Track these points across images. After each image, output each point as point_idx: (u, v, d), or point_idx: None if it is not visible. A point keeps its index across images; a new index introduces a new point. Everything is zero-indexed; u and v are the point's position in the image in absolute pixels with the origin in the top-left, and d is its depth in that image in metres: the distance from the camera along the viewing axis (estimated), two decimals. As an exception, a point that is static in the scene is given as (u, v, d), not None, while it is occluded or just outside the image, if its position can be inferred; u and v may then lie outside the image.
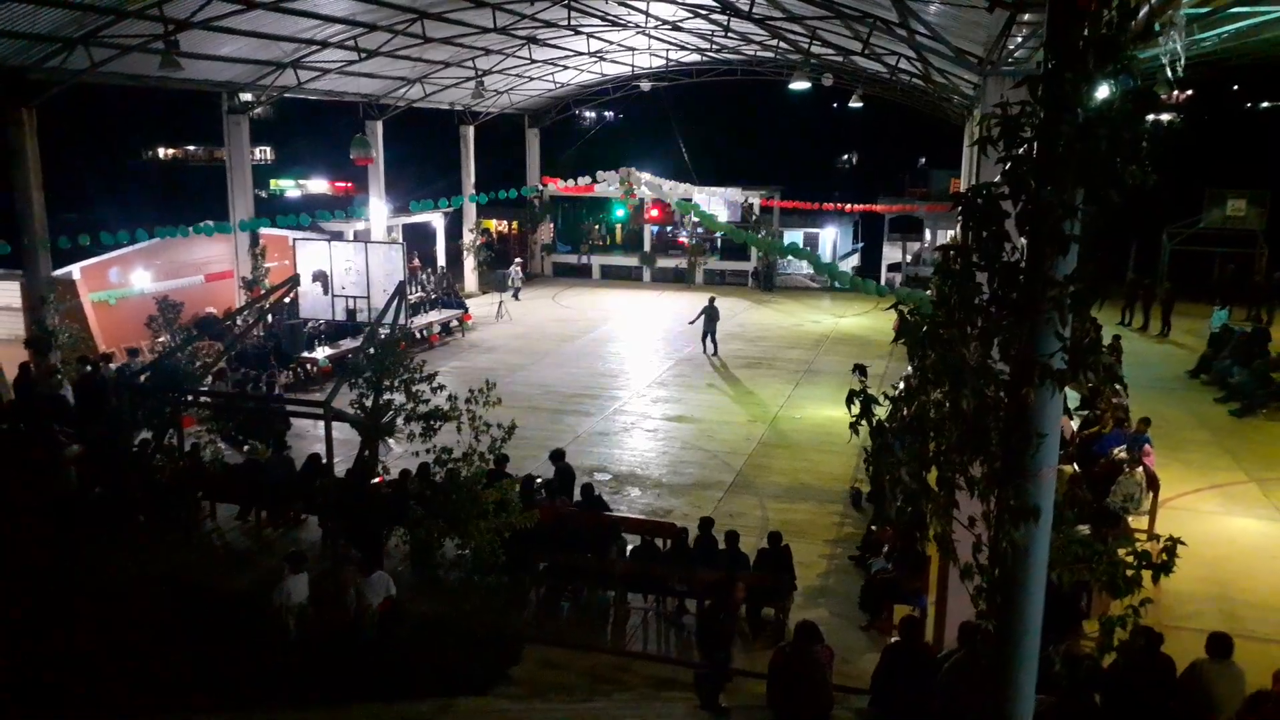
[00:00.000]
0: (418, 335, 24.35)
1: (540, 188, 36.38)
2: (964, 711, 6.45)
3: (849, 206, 36.66)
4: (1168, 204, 29.85)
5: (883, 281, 34.56)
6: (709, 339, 24.55)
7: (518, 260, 34.57)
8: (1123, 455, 13.15)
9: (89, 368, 16.97)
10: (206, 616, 10.96)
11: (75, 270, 19.64)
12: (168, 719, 8.63)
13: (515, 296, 32.85)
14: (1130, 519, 12.41)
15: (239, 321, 19.37)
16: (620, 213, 38.15)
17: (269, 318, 21.45)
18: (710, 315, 24.44)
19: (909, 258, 37.00)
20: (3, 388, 17.16)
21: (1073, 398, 16.56)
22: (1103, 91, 3.72)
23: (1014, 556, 4.04)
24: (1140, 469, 12.75)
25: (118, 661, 9.86)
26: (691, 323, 24.88)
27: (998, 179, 4.12)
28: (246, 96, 23.19)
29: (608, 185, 35.42)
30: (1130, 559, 4.37)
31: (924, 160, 59.80)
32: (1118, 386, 16.76)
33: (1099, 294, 3.82)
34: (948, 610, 9.05)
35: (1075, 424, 15.24)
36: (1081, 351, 3.82)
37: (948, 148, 37.48)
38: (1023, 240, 4.00)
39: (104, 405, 15.72)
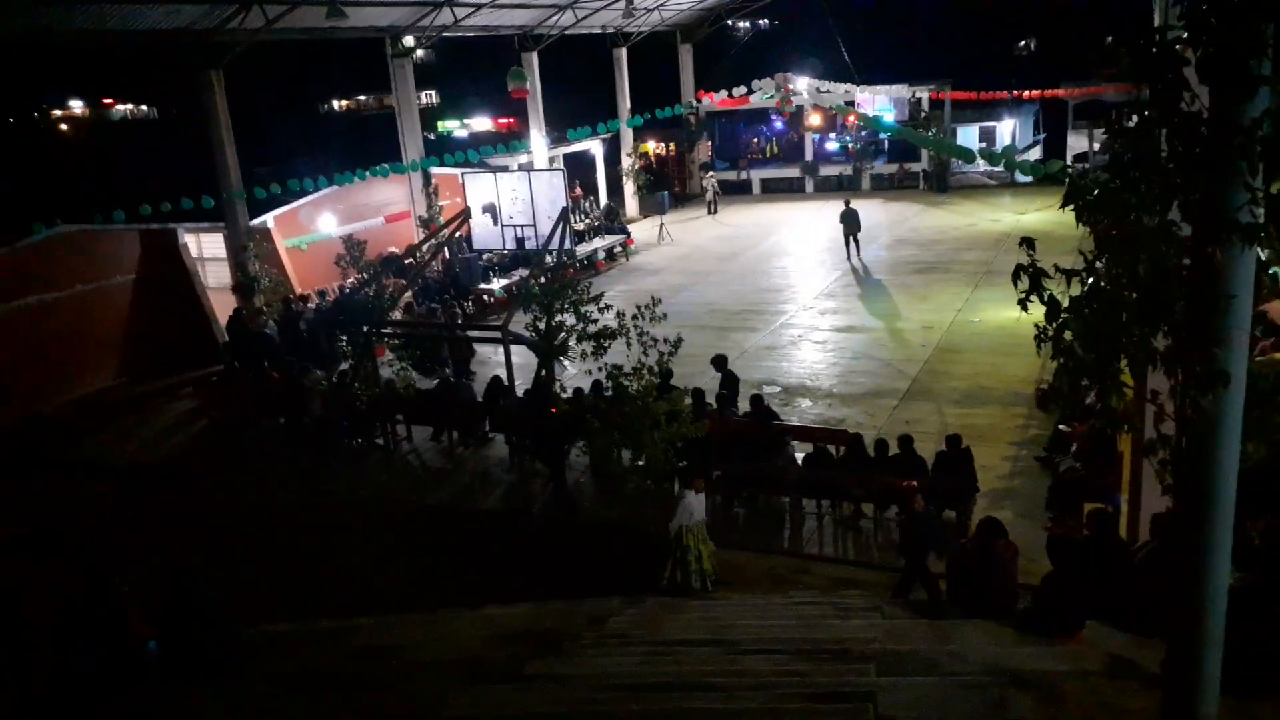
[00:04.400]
0: (582, 262, 24.84)
1: (695, 104, 35.94)
2: (1158, 603, 6.20)
3: (1027, 94, 34.26)
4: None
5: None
6: (851, 242, 24.18)
7: (711, 174, 34.43)
8: (1346, 338, 11.96)
9: (292, 309, 18.43)
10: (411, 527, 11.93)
11: (270, 219, 21.15)
12: (382, 616, 9.47)
13: (712, 210, 32.95)
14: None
15: (418, 256, 20.41)
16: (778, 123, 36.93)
17: (445, 252, 22.45)
18: (848, 219, 23.96)
19: (1097, 146, 34.35)
20: (219, 331, 18.85)
21: (1287, 281, 15.15)
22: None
23: (1202, 426, 3.82)
24: (1368, 352, 11.59)
25: (334, 571, 10.89)
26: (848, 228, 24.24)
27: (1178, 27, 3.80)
28: (409, 40, 23.98)
29: (764, 95, 34.60)
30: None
31: (1111, 39, 54.81)
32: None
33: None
34: (1142, 505, 8.63)
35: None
36: (1275, 202, 3.52)
37: (1138, 22, 34.29)
38: (1204, 89, 3.69)
39: (306, 342, 17.08)
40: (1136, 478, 8.81)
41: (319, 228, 22.72)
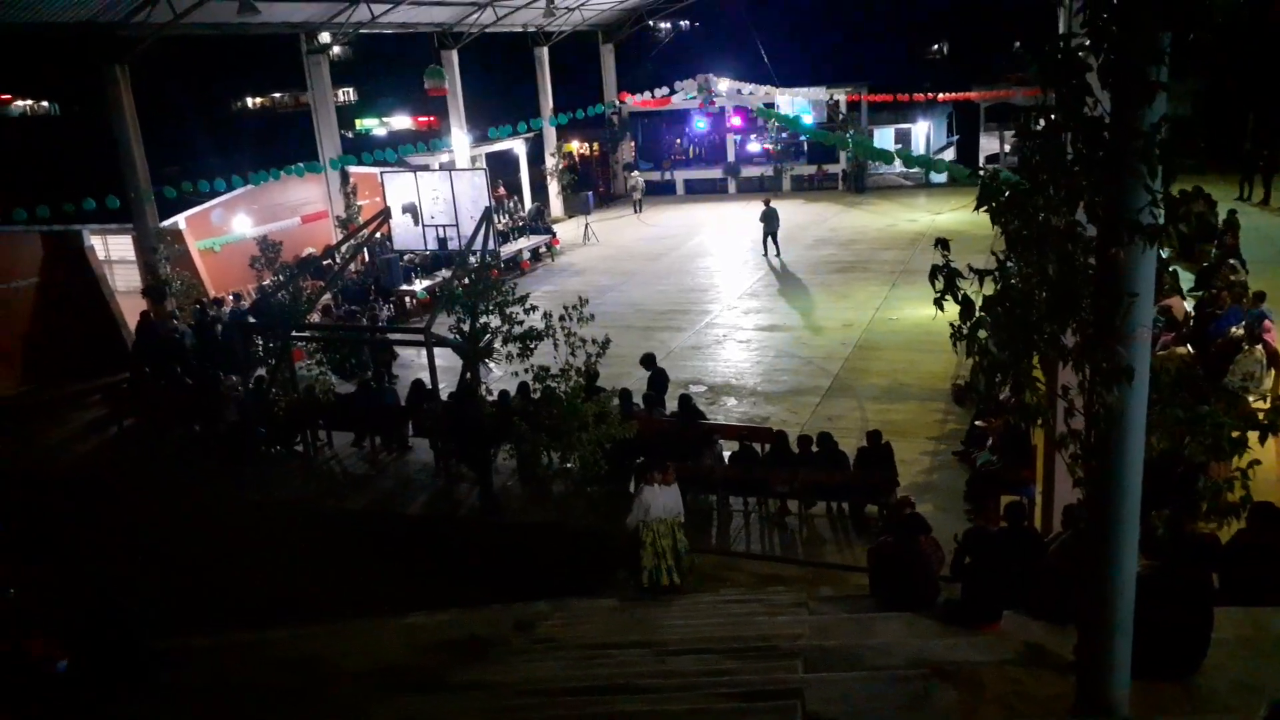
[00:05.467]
0: (506, 263, 24.64)
1: (618, 104, 35.94)
2: (1071, 592, 6.40)
3: (940, 96, 35.15)
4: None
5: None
6: (769, 241, 24.81)
7: (637, 174, 34.48)
8: (1240, 333, 12.56)
9: (206, 313, 17.87)
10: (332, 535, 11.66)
11: (181, 220, 20.45)
12: (301, 627, 9.24)
13: (638, 209, 33.09)
14: (1251, 398, 11.89)
15: (337, 258, 19.99)
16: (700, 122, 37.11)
17: (366, 253, 22.02)
18: (769, 218, 24.65)
19: (1007, 147, 35.40)
20: (129, 336, 18.18)
21: (1185, 278, 15.84)
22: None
23: (1109, 420, 3.96)
24: (1259, 346, 12.17)
25: (254, 581, 10.59)
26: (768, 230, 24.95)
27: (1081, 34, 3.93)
28: (324, 37, 23.46)
29: (686, 95, 34.81)
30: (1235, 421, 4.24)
31: (1019, 44, 56.36)
32: (1233, 262, 15.93)
33: (1191, 143, 3.63)
34: (1055, 497, 8.92)
35: (1189, 305, 14.59)
36: (1173, 203, 3.67)
37: (1044, 29, 35.44)
38: (1107, 94, 3.82)
39: (220, 347, 16.57)
40: (1049, 470, 9.10)
41: (233, 229, 22.06)
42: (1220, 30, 3.51)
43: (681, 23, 55.85)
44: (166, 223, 19.79)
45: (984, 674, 6.04)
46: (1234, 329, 12.88)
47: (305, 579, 10.59)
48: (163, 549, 11.49)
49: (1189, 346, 12.55)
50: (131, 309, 18.62)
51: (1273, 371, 12.27)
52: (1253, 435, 4.44)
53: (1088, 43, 3.83)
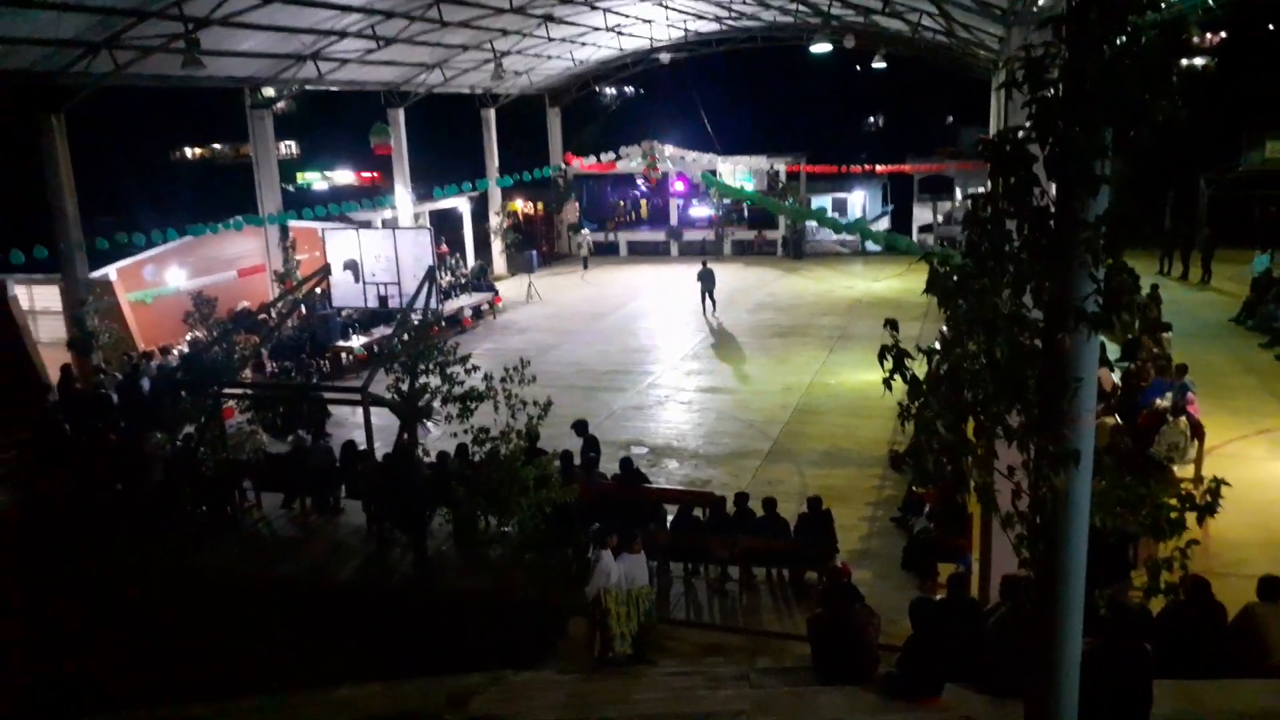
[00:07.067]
0: (444, 322, 24.46)
1: (563, 167, 36.33)
2: (1012, 664, 6.42)
3: (877, 168, 36.23)
4: (1205, 150, 29.20)
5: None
6: (707, 299, 25.58)
7: (585, 232, 35.22)
8: (1165, 404, 12.96)
9: (132, 367, 17.30)
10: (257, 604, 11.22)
11: (112, 271, 19.94)
12: (222, 703, 8.83)
13: (585, 266, 34.08)
14: (1176, 468, 12.24)
15: (273, 314, 19.62)
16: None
17: (303, 309, 21.67)
18: (705, 278, 25.50)
19: (940, 218, 36.51)
20: (49, 389, 17.50)
21: (1112, 350, 16.35)
22: (1128, 27, 3.65)
23: (1054, 502, 4.01)
24: (1184, 418, 12.57)
25: (173, 652, 10.12)
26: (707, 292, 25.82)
27: (1025, 124, 4.06)
28: (269, 91, 23.32)
29: (630, 161, 35.38)
30: (1174, 502, 4.33)
31: (952, 119, 58.64)
32: (1165, 335, 16.53)
33: (1133, 234, 3.76)
34: (992, 566, 9.01)
35: (1116, 376, 15.05)
36: (1116, 293, 3.77)
37: (976, 104, 36.86)
38: (1052, 184, 3.94)
39: (147, 403, 16.05)
40: (987, 539, 9.21)
41: (167, 281, 21.56)
42: (1158, 126, 3.66)
43: (627, 89, 56.96)
44: (97, 274, 19.26)
45: (928, 751, 6.00)
46: (1159, 400, 13.31)
47: (229, 650, 10.15)
48: (73, 619, 10.93)
49: (1117, 417, 12.89)
50: (55, 361, 17.98)
51: (1195, 442, 12.67)
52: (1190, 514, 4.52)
53: (1031, 133, 3.95)
